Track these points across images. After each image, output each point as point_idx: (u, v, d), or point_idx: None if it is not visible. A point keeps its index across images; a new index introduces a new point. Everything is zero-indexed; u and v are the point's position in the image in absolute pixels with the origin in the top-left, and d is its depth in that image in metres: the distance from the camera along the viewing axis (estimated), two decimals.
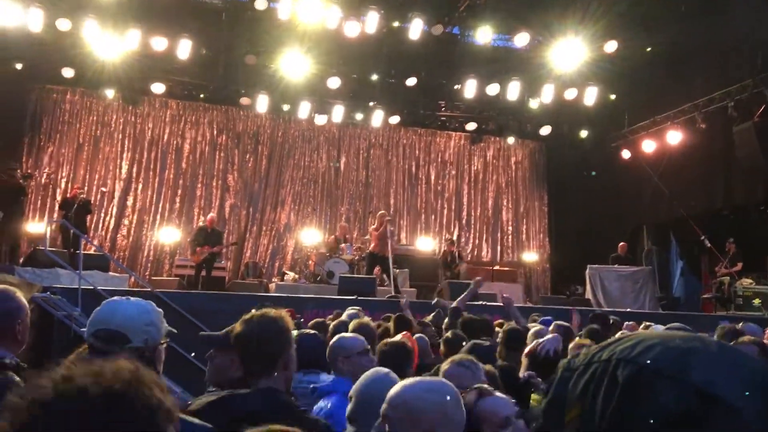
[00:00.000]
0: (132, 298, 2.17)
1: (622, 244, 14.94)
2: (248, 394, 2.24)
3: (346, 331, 4.40)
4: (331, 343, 3.48)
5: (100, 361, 0.94)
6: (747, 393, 0.67)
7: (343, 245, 13.94)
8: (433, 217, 17.73)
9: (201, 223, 14.22)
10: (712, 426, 0.66)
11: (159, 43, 13.57)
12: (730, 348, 0.76)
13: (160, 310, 2.18)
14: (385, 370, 2.62)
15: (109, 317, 2.08)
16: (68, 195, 13.32)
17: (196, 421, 1.93)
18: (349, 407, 2.37)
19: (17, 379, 2.28)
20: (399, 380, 2.38)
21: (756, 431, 0.66)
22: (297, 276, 14.49)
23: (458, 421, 2.03)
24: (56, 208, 13.86)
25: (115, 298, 2.21)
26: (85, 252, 10.87)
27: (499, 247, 17.89)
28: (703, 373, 0.69)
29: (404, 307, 7.53)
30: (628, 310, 12.30)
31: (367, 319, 4.81)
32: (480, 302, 11.17)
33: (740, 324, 5.58)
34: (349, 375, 3.20)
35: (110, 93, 15.15)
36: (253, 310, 2.40)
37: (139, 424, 0.90)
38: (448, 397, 2.02)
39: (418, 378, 2.20)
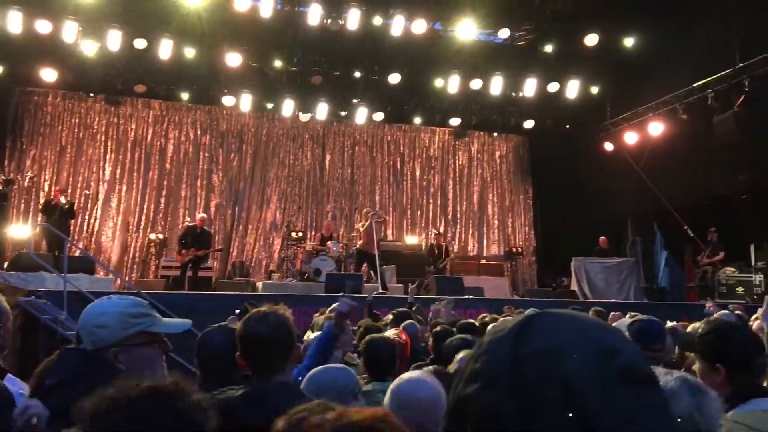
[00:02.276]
0: (113, 297, 2.13)
1: (602, 238, 15.04)
2: (270, 388, 2.24)
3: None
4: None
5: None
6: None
7: (329, 243, 13.95)
8: (419, 212, 17.78)
9: (190, 222, 14.00)
10: None
11: (140, 44, 13.51)
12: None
13: (138, 310, 2.08)
14: (336, 364, 2.73)
15: (81, 316, 2.07)
16: (51, 198, 13.21)
17: None
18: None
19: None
20: (349, 374, 2.46)
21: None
22: (284, 275, 14.49)
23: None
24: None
25: (104, 297, 2.19)
26: (70, 255, 10.82)
27: (485, 241, 17.97)
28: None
29: (368, 301, 7.61)
30: (614, 300, 12.41)
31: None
32: (467, 296, 11.26)
33: (718, 313, 5.68)
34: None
35: (92, 95, 15.08)
36: (247, 307, 2.43)
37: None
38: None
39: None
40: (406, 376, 2.28)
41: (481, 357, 0.74)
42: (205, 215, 14.24)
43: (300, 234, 15.35)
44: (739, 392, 2.24)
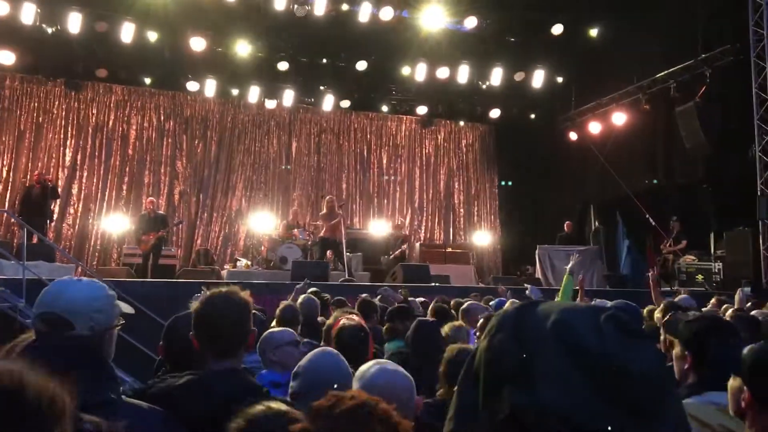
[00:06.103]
0: (84, 279, 2.07)
1: (567, 222, 15.25)
2: (218, 376, 2.11)
3: (294, 313, 4.51)
4: (261, 337, 3.38)
5: None
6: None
7: (295, 230, 13.87)
8: (385, 200, 17.78)
9: (142, 211, 13.77)
10: None
11: (101, 27, 13.18)
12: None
13: (113, 293, 2.06)
14: (331, 349, 2.65)
15: (54, 300, 1.96)
16: (34, 180, 12.96)
17: (144, 405, 1.89)
18: (294, 383, 2.35)
19: None
20: (345, 360, 2.41)
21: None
22: (249, 263, 14.37)
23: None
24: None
25: (66, 278, 2.09)
26: (29, 242, 10.58)
27: (451, 230, 18.05)
28: None
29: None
30: (576, 288, 12.56)
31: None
32: (433, 284, 11.32)
33: (677, 297, 5.79)
34: (278, 366, 3.27)
35: (52, 79, 14.71)
36: (208, 289, 2.30)
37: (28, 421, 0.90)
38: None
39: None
40: (374, 368, 2.21)
41: (493, 324, 0.85)
42: (153, 199, 13.77)
43: (266, 221, 15.22)
44: (700, 382, 2.26)
